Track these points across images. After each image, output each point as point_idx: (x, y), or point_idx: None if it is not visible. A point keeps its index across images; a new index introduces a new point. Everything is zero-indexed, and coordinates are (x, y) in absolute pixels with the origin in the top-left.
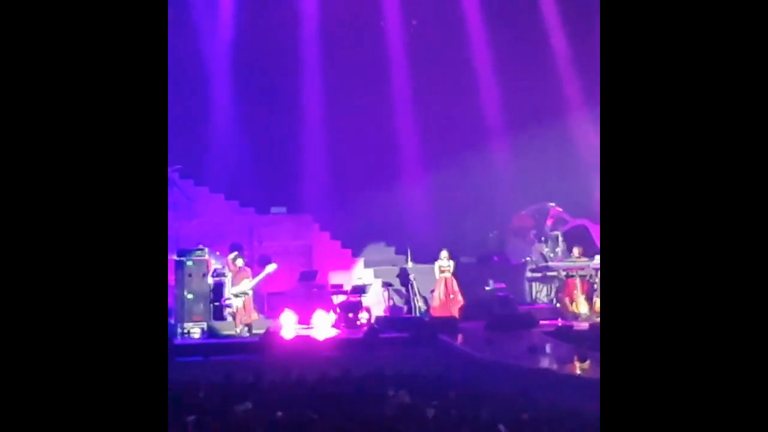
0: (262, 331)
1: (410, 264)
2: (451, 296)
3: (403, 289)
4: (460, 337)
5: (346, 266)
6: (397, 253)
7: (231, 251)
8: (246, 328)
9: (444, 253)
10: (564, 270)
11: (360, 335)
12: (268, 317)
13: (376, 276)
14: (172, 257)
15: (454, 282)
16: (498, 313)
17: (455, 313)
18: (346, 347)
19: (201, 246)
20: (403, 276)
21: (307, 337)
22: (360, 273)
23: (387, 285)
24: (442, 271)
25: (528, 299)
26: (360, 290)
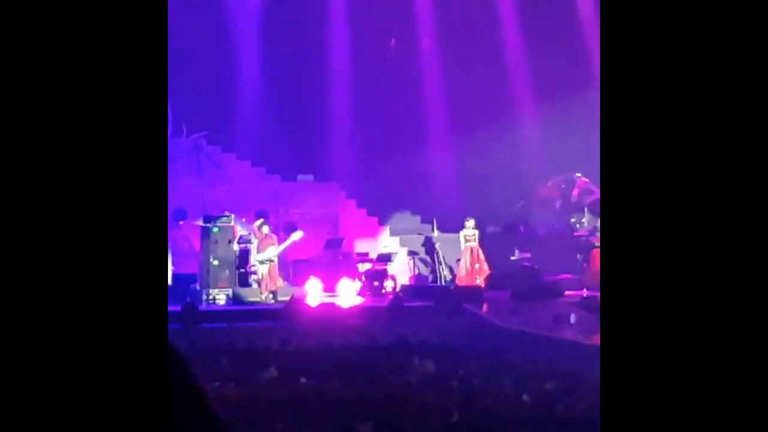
0: (287, 299)
1: (436, 233)
2: (477, 265)
3: (429, 258)
4: (485, 306)
5: (372, 234)
6: (423, 221)
7: (257, 218)
8: (271, 295)
9: (470, 222)
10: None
11: (385, 304)
12: (293, 284)
13: (402, 244)
14: (198, 223)
15: (480, 251)
16: (523, 283)
17: (481, 282)
18: (371, 315)
19: (227, 212)
20: (429, 245)
21: (332, 304)
22: (386, 241)
23: (412, 253)
24: (467, 240)
25: None
26: (385, 258)
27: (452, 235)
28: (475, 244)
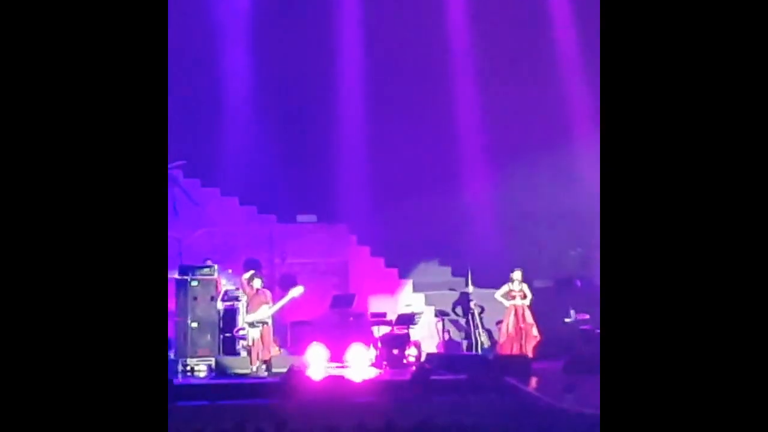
0: (283, 370)
1: (471, 288)
2: (523, 329)
3: (462, 320)
4: (533, 380)
5: (391, 290)
6: (455, 274)
7: (246, 269)
8: (264, 366)
9: (516, 275)
10: None
11: (407, 377)
12: (291, 352)
13: (428, 303)
14: (173, 275)
15: (527, 311)
16: (580, 351)
17: (527, 350)
18: (388, 391)
19: (209, 262)
20: (463, 303)
21: (341, 377)
22: (408, 298)
23: (441, 314)
24: (512, 297)
25: None
26: (407, 320)
27: (492, 291)
28: (522, 302)
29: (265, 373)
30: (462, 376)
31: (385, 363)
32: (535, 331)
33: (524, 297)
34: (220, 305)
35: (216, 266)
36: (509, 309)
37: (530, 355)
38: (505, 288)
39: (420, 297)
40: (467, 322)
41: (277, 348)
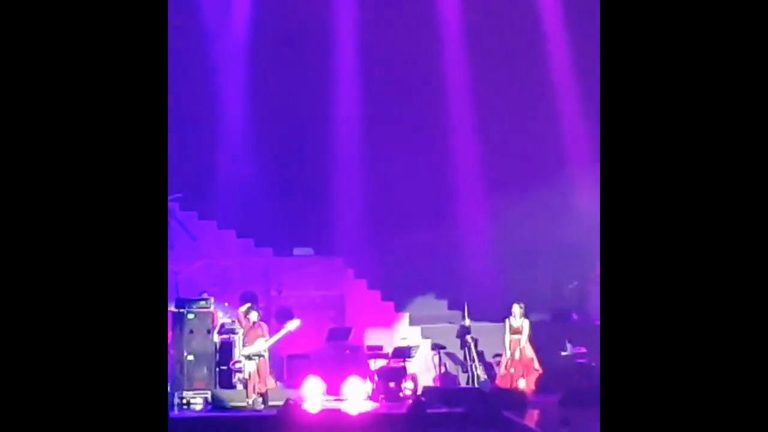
0: (280, 403)
1: (468, 321)
2: (522, 362)
3: (459, 353)
4: (529, 413)
5: (387, 323)
6: (451, 307)
7: (243, 302)
8: (260, 399)
9: (517, 309)
10: None
11: (403, 410)
12: (288, 385)
13: (425, 336)
14: (169, 308)
15: (528, 345)
16: (577, 385)
17: (529, 383)
18: (385, 424)
19: (205, 295)
20: (460, 336)
21: (337, 411)
22: (404, 332)
23: (438, 347)
24: (514, 332)
25: None
26: (404, 353)
27: (488, 325)
28: (521, 336)
29: (262, 406)
30: (459, 410)
31: (381, 396)
32: (536, 365)
33: (521, 333)
34: (217, 338)
35: (212, 299)
36: (509, 342)
37: (532, 388)
38: (507, 325)
39: (416, 330)
40: (464, 355)
41: (273, 381)
